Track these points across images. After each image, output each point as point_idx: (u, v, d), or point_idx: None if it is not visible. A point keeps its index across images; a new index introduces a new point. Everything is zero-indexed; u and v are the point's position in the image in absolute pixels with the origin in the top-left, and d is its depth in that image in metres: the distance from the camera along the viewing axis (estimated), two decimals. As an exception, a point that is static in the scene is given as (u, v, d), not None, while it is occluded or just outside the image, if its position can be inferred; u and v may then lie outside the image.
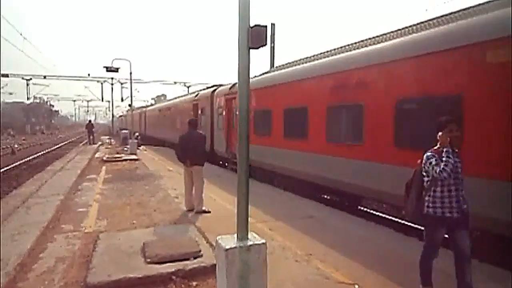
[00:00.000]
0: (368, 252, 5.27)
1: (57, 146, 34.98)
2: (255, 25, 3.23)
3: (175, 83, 43.37)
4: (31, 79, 37.39)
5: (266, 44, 3.27)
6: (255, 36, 3.23)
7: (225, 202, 8.33)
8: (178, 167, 8.91)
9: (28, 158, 22.86)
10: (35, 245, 5.49)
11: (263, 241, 3.38)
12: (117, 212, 7.59)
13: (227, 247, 3.21)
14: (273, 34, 20.47)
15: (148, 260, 4.76)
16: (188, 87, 42.25)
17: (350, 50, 8.20)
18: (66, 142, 40.78)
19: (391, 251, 5.34)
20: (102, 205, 8.24)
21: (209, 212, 7.47)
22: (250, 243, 3.29)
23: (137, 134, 29.63)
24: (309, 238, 5.91)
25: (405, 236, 6.16)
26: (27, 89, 38.10)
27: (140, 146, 24.69)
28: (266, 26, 3.26)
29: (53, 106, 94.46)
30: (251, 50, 3.33)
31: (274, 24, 20.45)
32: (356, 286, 4.22)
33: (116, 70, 21.82)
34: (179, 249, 5.02)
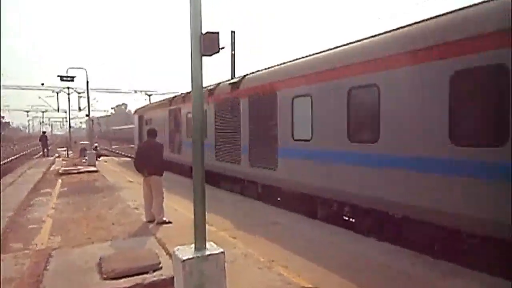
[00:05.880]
0: (333, 257, 5.30)
1: (8, 159, 32.89)
2: (207, 32, 3.20)
3: (135, 91, 42.33)
4: (-24, 89, 34.96)
5: (219, 51, 3.25)
6: (207, 43, 3.20)
7: (187, 211, 8.14)
8: (139, 178, 8.64)
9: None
10: (-21, 267, 5.09)
11: (221, 250, 3.33)
12: (72, 227, 7.22)
13: (184, 258, 3.14)
14: (233, 42, 20.48)
15: (104, 276, 4.56)
16: (149, 96, 41.34)
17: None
18: (18, 155, 38.46)
19: (356, 255, 5.37)
20: (56, 220, 7.82)
21: (170, 222, 7.29)
22: (207, 252, 3.24)
23: (95, 144, 28.56)
24: (272, 244, 5.89)
25: (373, 240, 6.16)
26: (-27, 100, 35.65)
27: (99, 157, 23.80)
28: (218, 33, 3.24)
29: (3, 117, 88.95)
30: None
31: (234, 32, 20.46)
32: (318, 290, 4.25)
33: (72, 79, 20.93)
34: (138, 263, 4.84)
